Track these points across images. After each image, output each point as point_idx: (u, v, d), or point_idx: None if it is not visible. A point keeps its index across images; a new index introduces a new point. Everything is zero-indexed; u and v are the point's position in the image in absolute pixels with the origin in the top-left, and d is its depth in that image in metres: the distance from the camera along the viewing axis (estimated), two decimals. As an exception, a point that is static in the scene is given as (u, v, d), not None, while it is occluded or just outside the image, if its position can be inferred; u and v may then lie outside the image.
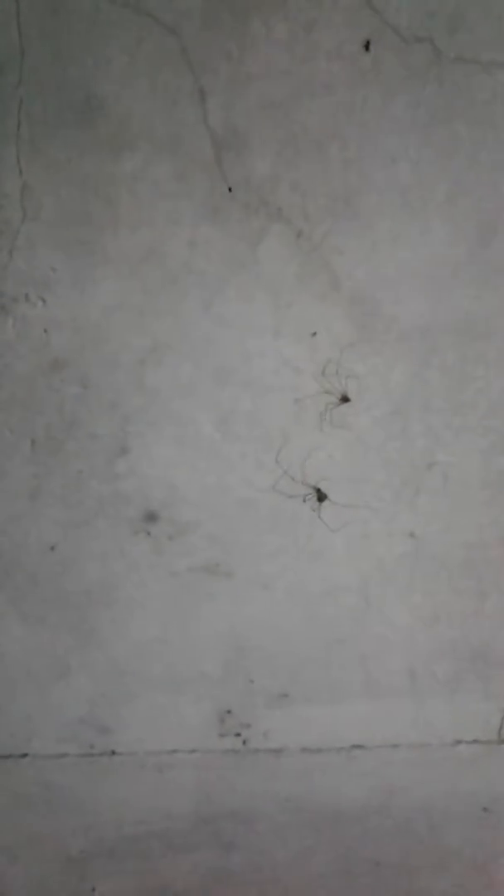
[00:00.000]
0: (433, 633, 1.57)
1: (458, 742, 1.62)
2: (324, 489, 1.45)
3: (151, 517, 1.50)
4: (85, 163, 1.31)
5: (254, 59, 1.29)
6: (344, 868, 1.42)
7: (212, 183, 1.32)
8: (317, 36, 1.28)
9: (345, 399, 1.41)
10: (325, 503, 1.46)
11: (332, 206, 1.33)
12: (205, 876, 1.42)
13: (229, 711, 1.62)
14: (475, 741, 1.62)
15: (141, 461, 1.47)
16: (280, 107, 1.30)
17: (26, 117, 1.30)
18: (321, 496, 1.45)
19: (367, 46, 1.28)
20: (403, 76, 1.29)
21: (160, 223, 1.34)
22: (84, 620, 1.55)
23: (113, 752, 1.64)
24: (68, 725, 1.62)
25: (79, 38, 1.28)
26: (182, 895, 1.39)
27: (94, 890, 1.42)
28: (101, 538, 1.51)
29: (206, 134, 1.30)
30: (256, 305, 1.38)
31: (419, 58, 1.28)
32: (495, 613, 1.55)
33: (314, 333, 1.39)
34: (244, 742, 1.63)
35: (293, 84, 1.29)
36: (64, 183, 1.33)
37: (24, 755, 1.62)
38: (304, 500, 1.44)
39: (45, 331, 1.40)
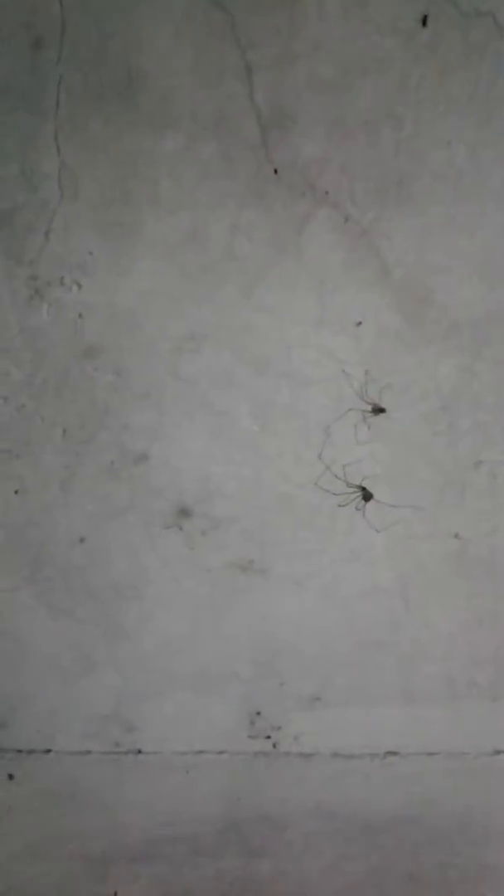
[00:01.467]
0: (474, 638, 1.52)
1: (498, 752, 1.57)
2: (369, 488, 1.40)
3: (184, 511, 1.46)
4: (125, 141, 1.28)
5: (303, 34, 1.25)
6: (376, 880, 1.38)
7: (257, 164, 1.28)
8: (371, 10, 1.24)
9: (379, 410, 1.36)
10: (372, 501, 1.41)
11: (383, 190, 1.29)
12: (231, 883, 1.39)
13: (259, 713, 1.58)
14: (515, 752, 1.57)
15: (175, 453, 1.43)
16: (330, 85, 1.26)
17: (66, 94, 1.27)
18: (367, 495, 1.40)
19: (424, 21, 1.23)
20: (462, 53, 1.24)
21: (202, 205, 1.31)
22: (112, 615, 1.52)
23: (139, 751, 1.61)
24: (93, 722, 1.60)
25: (122, 11, 1.25)
26: (208, 902, 1.36)
27: (115, 894, 1.38)
28: (132, 531, 1.48)
29: (251, 113, 1.26)
30: (299, 293, 1.34)
31: (479, 33, 1.24)
32: (540, 620, 1.50)
33: (359, 323, 1.35)
34: (274, 745, 1.60)
35: (344, 61, 1.25)
36: (103, 162, 1.30)
37: (48, 751, 1.60)
38: (349, 499, 1.40)
39: (80, 316, 1.37)
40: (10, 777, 1.57)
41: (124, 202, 1.31)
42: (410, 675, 1.55)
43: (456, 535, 1.46)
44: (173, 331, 1.37)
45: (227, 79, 1.25)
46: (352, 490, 1.41)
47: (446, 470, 1.43)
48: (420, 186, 1.28)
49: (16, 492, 1.46)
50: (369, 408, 1.38)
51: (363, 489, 1.41)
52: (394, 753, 1.59)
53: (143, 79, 1.25)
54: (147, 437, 1.43)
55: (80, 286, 1.36)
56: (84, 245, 1.34)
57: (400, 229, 1.30)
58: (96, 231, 1.32)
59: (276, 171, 1.28)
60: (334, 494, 1.42)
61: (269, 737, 1.60)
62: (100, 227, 1.33)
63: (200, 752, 1.60)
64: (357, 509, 1.42)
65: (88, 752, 1.61)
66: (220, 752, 1.60)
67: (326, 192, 1.29)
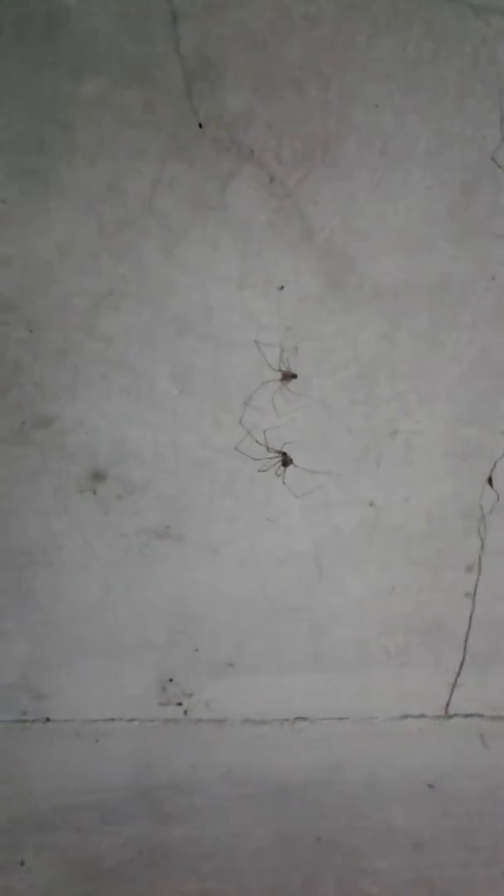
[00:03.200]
0: (386, 605, 1.55)
1: (405, 716, 1.61)
2: (289, 454, 1.40)
3: (99, 475, 1.43)
4: (42, 82, 1.22)
5: (232, -18, 1.20)
6: (285, 843, 1.40)
7: (181, 116, 1.25)
8: (303, -37, 1.20)
9: (290, 376, 1.35)
10: (290, 468, 1.40)
11: (309, 151, 1.27)
12: (141, 850, 1.38)
13: (171, 680, 1.57)
14: (422, 716, 1.61)
15: (90, 414, 1.40)
16: (259, 39, 1.23)
17: (-21, 29, 1.19)
18: (286, 460, 1.40)
19: (355, -21, 1.21)
20: (391, 15, 1.22)
21: (122, 156, 1.26)
22: (22, 581, 1.49)
23: (47, 720, 1.58)
24: (0, 690, 1.55)
25: None
26: (117, 869, 1.35)
27: (22, 863, 1.36)
28: (44, 495, 1.44)
29: (177, 62, 1.22)
30: (222, 252, 1.32)
31: (410, -3, 1.22)
32: (450, 588, 1.53)
33: (282, 287, 1.33)
34: (185, 712, 1.60)
35: (274, 15, 1.22)
36: (17, 104, 1.23)
37: (-48, 720, 1.56)
38: (269, 464, 1.39)
39: (-9, 267, 1.31)
40: None
41: (39, 148, 1.25)
42: (322, 642, 1.57)
43: (371, 503, 1.48)
44: (90, 287, 1.32)
45: (153, 24, 1.20)
46: (272, 455, 1.40)
47: (363, 438, 1.44)
48: (346, 149, 1.27)
49: None
50: (279, 375, 1.37)
51: (283, 455, 1.40)
52: (303, 719, 1.61)
53: (64, 18, 1.19)
54: (61, 397, 1.38)
55: (-9, 236, 1.30)
56: (-4, 193, 1.28)
57: (325, 192, 1.29)
58: (9, 178, 1.27)
59: (200, 125, 1.25)
60: (254, 459, 1.40)
61: (180, 703, 1.59)
62: (13, 173, 1.27)
63: (111, 719, 1.59)
64: (277, 475, 1.41)
65: (-6, 721, 1.58)
66: (131, 720, 1.59)
67: (252, 150, 1.26)
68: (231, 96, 1.24)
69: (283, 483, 1.42)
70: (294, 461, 1.41)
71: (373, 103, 1.25)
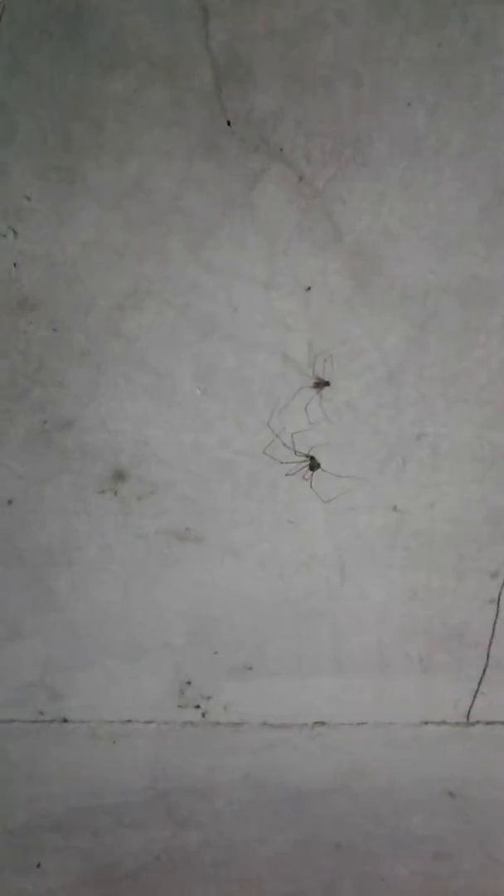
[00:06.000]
0: (408, 610, 1.55)
1: (426, 723, 1.61)
2: (316, 458, 1.40)
3: (120, 475, 1.43)
4: (70, 80, 1.23)
5: (264, -21, 1.20)
6: (303, 849, 1.41)
7: (210, 114, 1.25)
8: (335, -40, 1.20)
9: (323, 384, 1.35)
10: (317, 472, 1.41)
11: (339, 150, 1.27)
12: (158, 854, 1.39)
13: (189, 682, 1.58)
14: (443, 722, 1.61)
15: (112, 414, 1.40)
16: (289, 36, 1.22)
17: (8, 25, 1.20)
18: (314, 464, 1.40)
19: (389, -24, 1.20)
20: (425, 12, 1.22)
21: (149, 154, 1.26)
22: (41, 581, 1.50)
23: (64, 720, 1.59)
24: (18, 689, 1.57)
25: None
26: (133, 874, 1.36)
27: (38, 866, 1.38)
28: (64, 495, 1.45)
29: (206, 59, 1.22)
30: (249, 252, 1.32)
31: (444, -7, 1.22)
32: (474, 594, 1.53)
33: (309, 288, 1.33)
34: (203, 714, 1.60)
35: (305, 12, 1.21)
36: (45, 101, 1.24)
37: (-32, 720, 1.58)
38: (296, 468, 1.39)
39: (15, 265, 1.32)
40: None
41: (66, 146, 1.26)
42: (342, 646, 1.57)
43: (394, 508, 1.48)
44: (115, 286, 1.33)
45: (182, 21, 1.20)
46: (300, 459, 1.40)
47: (389, 442, 1.44)
48: (377, 149, 1.27)
49: None
50: (311, 383, 1.37)
51: (311, 458, 1.40)
52: (322, 724, 1.61)
53: (92, 14, 1.19)
54: (83, 396, 1.39)
55: (15, 233, 1.30)
56: (21, 189, 1.29)
57: (354, 192, 1.29)
58: (35, 175, 1.27)
59: (229, 123, 1.25)
60: (281, 463, 1.41)
61: (198, 706, 1.60)
62: (39, 171, 1.27)
63: (128, 721, 1.60)
64: (304, 479, 1.42)
65: (11, 720, 1.59)
66: (149, 722, 1.60)
67: (281, 149, 1.26)
68: (260, 94, 1.24)
69: (311, 487, 1.42)
70: (322, 465, 1.41)
71: (405, 102, 1.25)
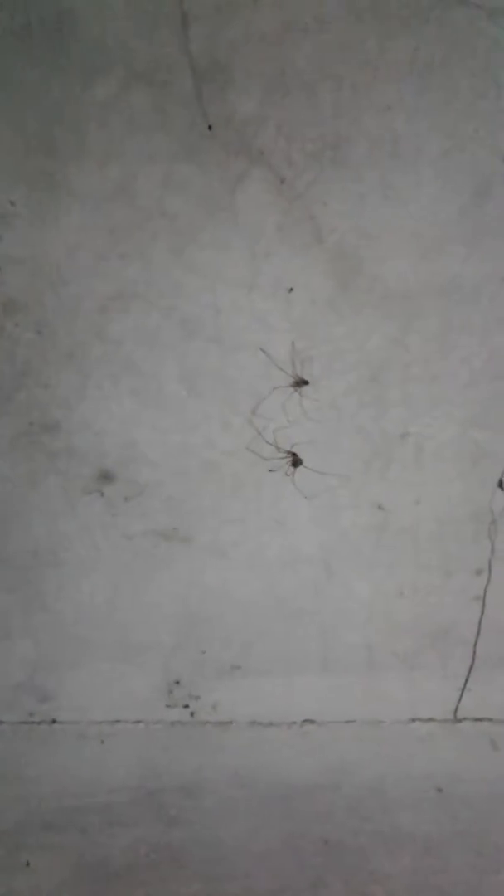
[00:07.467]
0: (395, 608, 1.57)
1: (413, 720, 1.64)
2: (298, 454, 1.43)
3: (106, 476, 1.46)
4: (52, 86, 1.25)
5: (243, -17, 1.23)
6: (292, 846, 1.42)
7: (191, 119, 1.27)
8: (313, -36, 1.23)
9: (301, 382, 1.38)
10: (299, 470, 1.43)
11: (319, 153, 1.29)
12: (147, 852, 1.41)
13: (178, 682, 1.61)
14: (431, 720, 1.64)
15: (98, 416, 1.43)
16: (268, 40, 1.25)
17: (-11, 31, 1.22)
18: (296, 461, 1.42)
19: (367, -19, 1.23)
20: (404, 16, 1.25)
21: (132, 158, 1.29)
22: (29, 582, 1.52)
23: (53, 721, 1.62)
24: (6, 691, 1.60)
25: None
26: (122, 871, 1.38)
27: (27, 864, 1.39)
28: (51, 496, 1.47)
29: (187, 65, 1.25)
30: (231, 255, 1.35)
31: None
32: (460, 591, 1.56)
33: (291, 289, 1.36)
34: (192, 714, 1.63)
35: (284, 16, 1.24)
36: (28, 107, 1.26)
37: (-42, 721, 1.60)
38: (278, 464, 1.42)
39: (0, 269, 1.33)
40: None
41: (49, 151, 1.28)
42: (330, 644, 1.60)
43: (380, 506, 1.50)
44: (100, 289, 1.35)
45: (162, 27, 1.23)
46: (282, 455, 1.43)
47: (373, 441, 1.46)
48: (357, 151, 1.29)
49: None
50: (291, 381, 1.40)
51: (293, 455, 1.43)
52: (311, 722, 1.64)
53: (74, 21, 1.22)
54: (69, 398, 1.42)
55: (0, 238, 1.32)
56: (5, 195, 1.31)
57: (335, 194, 1.32)
58: (19, 180, 1.30)
59: (210, 128, 1.27)
60: (264, 459, 1.43)
61: (186, 706, 1.62)
62: (22, 176, 1.30)
63: (117, 721, 1.62)
64: (287, 475, 1.44)
65: (1, 722, 1.61)
66: (137, 722, 1.62)
67: (262, 152, 1.29)
68: (241, 98, 1.27)
69: (293, 484, 1.45)
70: (304, 462, 1.43)
71: (384, 105, 1.28)
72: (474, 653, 1.60)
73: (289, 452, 1.43)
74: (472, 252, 1.35)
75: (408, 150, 1.30)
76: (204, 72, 1.25)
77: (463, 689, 1.62)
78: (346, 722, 1.64)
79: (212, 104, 1.26)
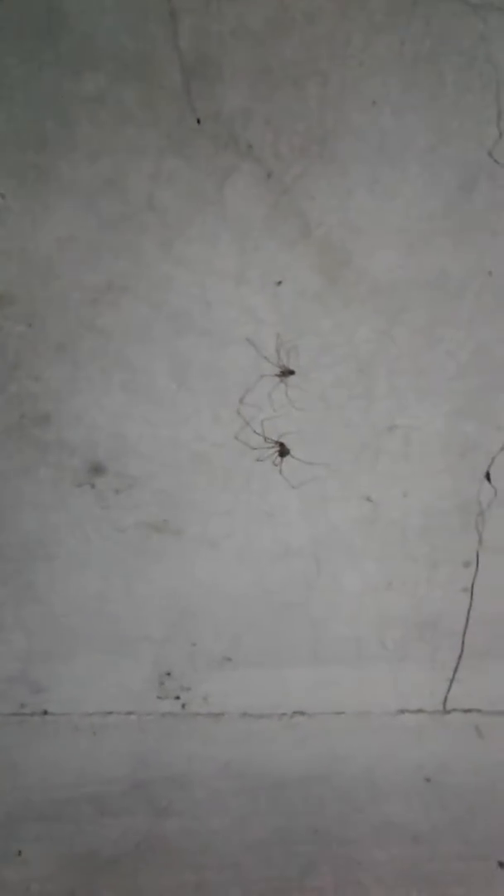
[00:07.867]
0: (384, 600, 1.59)
1: (402, 711, 1.65)
2: (286, 445, 1.44)
3: (97, 469, 1.47)
4: (43, 80, 1.26)
5: (231, -21, 1.24)
6: (282, 836, 1.44)
7: (179, 112, 1.28)
8: (300, -40, 1.24)
9: (288, 372, 1.39)
10: (286, 459, 1.45)
11: (307, 147, 1.30)
12: (138, 842, 1.42)
13: (169, 674, 1.62)
14: (420, 710, 1.66)
15: (89, 409, 1.44)
16: (256, 34, 1.26)
17: (-21, 26, 1.23)
18: (284, 451, 1.44)
19: (353, -24, 1.24)
20: (389, 12, 1.26)
21: (121, 152, 1.30)
22: (20, 574, 1.53)
23: (45, 712, 1.63)
24: (-1, 683, 1.60)
25: None
26: (114, 861, 1.39)
27: (20, 854, 1.40)
28: (42, 489, 1.48)
29: (175, 59, 1.25)
30: (220, 248, 1.36)
31: (407, -6, 1.25)
32: (448, 583, 1.58)
33: (279, 282, 1.37)
34: (183, 705, 1.64)
35: (271, 10, 1.25)
36: (18, 101, 1.27)
37: (-50, 713, 1.61)
38: (266, 454, 1.43)
39: (-10, 262, 1.35)
40: None
41: (40, 144, 1.29)
42: (319, 636, 1.61)
43: (368, 499, 1.52)
44: (90, 281, 1.36)
45: (151, 21, 1.24)
46: (269, 445, 1.44)
47: (361, 433, 1.48)
48: (344, 146, 1.31)
49: None
50: (277, 370, 1.41)
51: (281, 445, 1.44)
52: (301, 713, 1.65)
53: (63, 15, 1.23)
54: (60, 391, 1.43)
55: (-10, 231, 1.34)
56: (-5, 188, 1.32)
57: (323, 188, 1.33)
58: (9, 173, 1.30)
59: (198, 121, 1.29)
60: (252, 448, 1.44)
61: (178, 697, 1.64)
62: (13, 169, 1.30)
63: (109, 713, 1.63)
64: (274, 465, 1.46)
65: (-8, 713, 1.62)
66: (129, 714, 1.64)
67: (250, 146, 1.30)
68: (229, 92, 1.28)
69: (280, 473, 1.46)
70: (291, 452, 1.45)
71: (370, 100, 1.29)
72: (463, 644, 1.61)
73: (276, 442, 1.44)
74: (458, 246, 1.37)
75: (394, 145, 1.31)
76: (192, 66, 1.26)
77: (451, 680, 1.64)
78: (336, 713, 1.66)
79: (200, 98, 1.28)
